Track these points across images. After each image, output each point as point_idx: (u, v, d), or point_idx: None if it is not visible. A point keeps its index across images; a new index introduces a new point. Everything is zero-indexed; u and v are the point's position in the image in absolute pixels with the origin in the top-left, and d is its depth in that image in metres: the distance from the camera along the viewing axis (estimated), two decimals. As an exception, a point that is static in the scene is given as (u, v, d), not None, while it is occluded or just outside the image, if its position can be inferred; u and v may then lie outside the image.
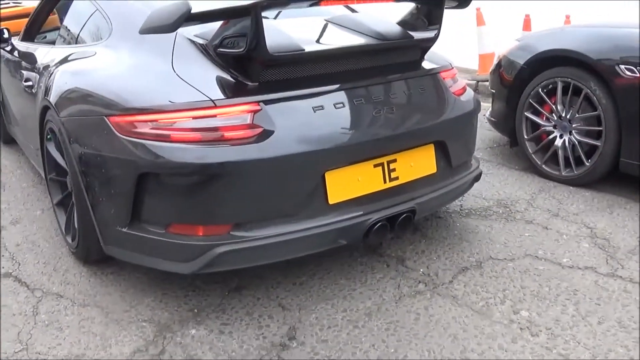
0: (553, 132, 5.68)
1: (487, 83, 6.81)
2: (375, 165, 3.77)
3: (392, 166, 3.83)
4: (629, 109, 5.05)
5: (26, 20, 6.70)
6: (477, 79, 9.86)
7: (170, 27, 3.38)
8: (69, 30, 5.33)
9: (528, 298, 3.76)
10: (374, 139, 3.73)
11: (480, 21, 10.01)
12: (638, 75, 4.93)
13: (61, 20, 6.94)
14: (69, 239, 4.41)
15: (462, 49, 10.21)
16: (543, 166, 5.75)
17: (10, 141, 7.29)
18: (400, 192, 3.90)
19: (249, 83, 3.56)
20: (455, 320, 3.57)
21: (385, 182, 3.81)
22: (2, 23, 7.86)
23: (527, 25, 9.48)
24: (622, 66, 5.02)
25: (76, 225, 4.16)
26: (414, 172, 3.95)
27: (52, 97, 4.21)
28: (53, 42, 5.62)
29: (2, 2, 11.55)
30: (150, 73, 3.80)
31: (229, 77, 3.60)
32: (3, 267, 4.36)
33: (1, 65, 6.75)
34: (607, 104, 5.17)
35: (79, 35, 4.97)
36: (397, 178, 3.86)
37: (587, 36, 5.46)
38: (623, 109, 5.08)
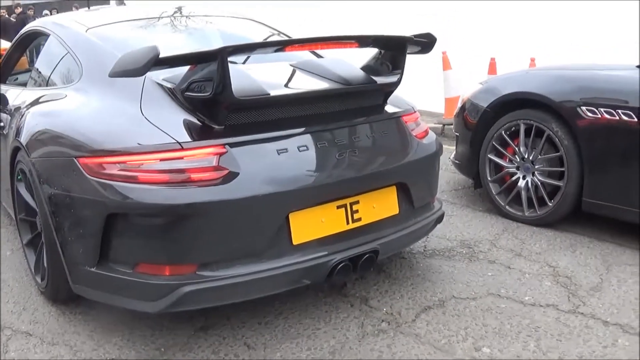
0: (516, 173, 5.77)
1: (452, 126, 6.91)
2: (338, 207, 3.85)
3: (355, 207, 3.90)
4: (591, 149, 5.15)
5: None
6: (443, 122, 9.93)
7: (139, 70, 3.45)
8: (40, 72, 5.39)
9: (490, 335, 3.83)
10: (337, 181, 3.80)
11: (446, 65, 10.11)
12: (599, 116, 5.03)
13: (32, 62, 7.01)
14: (38, 279, 4.43)
15: (429, 93, 10.32)
16: (506, 207, 5.83)
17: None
18: (363, 232, 3.96)
19: (215, 126, 3.63)
20: (417, 357, 3.62)
21: (348, 223, 3.88)
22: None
23: (492, 68, 9.58)
24: (584, 107, 5.12)
25: (45, 265, 4.18)
26: (376, 213, 4.02)
27: (23, 138, 4.25)
28: (24, 84, 5.67)
29: None
30: (119, 115, 3.86)
31: (195, 120, 3.67)
32: (-27, 307, 4.38)
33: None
34: (569, 144, 5.27)
35: (50, 77, 5.04)
36: (360, 219, 3.93)
37: (549, 78, 5.57)
38: (585, 149, 5.18)
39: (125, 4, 18.02)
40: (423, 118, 4.77)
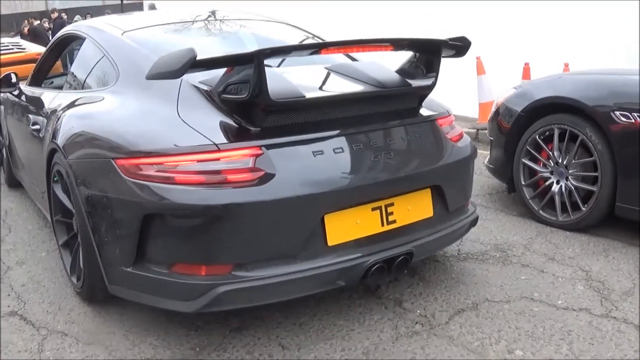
0: (550, 178, 5.76)
1: (486, 131, 6.90)
2: (373, 209, 3.86)
3: (389, 210, 3.91)
4: (625, 155, 5.13)
5: (31, 65, 6.82)
6: (477, 127, 9.92)
7: (176, 73, 3.49)
8: (76, 75, 5.45)
9: (523, 338, 3.83)
10: (372, 183, 3.82)
11: (480, 70, 10.09)
12: (633, 120, 5.02)
13: (66, 66, 7.08)
14: (74, 279, 4.47)
15: (463, 98, 10.29)
16: (540, 212, 5.82)
17: (16, 185, 7.38)
18: (398, 235, 3.97)
19: (252, 128, 3.66)
20: (450, 359, 3.64)
21: (383, 225, 3.89)
22: (8, 68, 7.96)
23: (526, 73, 9.54)
24: (618, 112, 5.11)
25: (81, 266, 4.21)
26: (411, 215, 4.04)
27: (60, 140, 4.30)
28: (60, 87, 5.73)
29: (2, 46, 11.68)
30: (156, 117, 3.90)
31: (232, 122, 3.70)
32: (9, 306, 4.42)
33: (8, 109, 6.85)
34: (602, 149, 5.25)
35: (86, 80, 5.09)
36: (394, 221, 3.94)
37: (583, 83, 5.57)
38: (618, 154, 5.16)
39: (156, 9, 18.10)
40: (458, 123, 4.78)
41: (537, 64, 9.50)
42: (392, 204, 3.93)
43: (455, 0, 11.11)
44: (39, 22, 27.09)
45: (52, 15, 26.70)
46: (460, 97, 10.08)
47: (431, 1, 11.42)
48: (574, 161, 5.54)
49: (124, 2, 28.85)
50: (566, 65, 9.22)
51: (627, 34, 9.15)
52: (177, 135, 3.64)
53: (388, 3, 12.27)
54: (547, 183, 5.78)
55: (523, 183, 5.99)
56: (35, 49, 12.12)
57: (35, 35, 21.84)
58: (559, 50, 9.74)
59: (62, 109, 4.69)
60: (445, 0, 11.21)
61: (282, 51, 4.10)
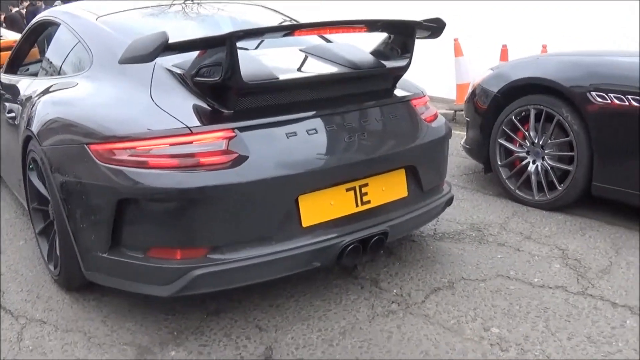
0: (526, 158, 5.79)
1: (463, 111, 6.92)
2: (347, 190, 3.87)
3: (364, 190, 3.93)
4: (601, 134, 5.17)
5: (8, 53, 6.78)
6: (454, 108, 9.96)
7: (148, 57, 3.48)
8: (51, 62, 5.42)
9: (499, 316, 3.85)
10: (346, 163, 3.83)
11: (458, 52, 10.12)
12: (609, 101, 5.04)
13: (43, 52, 7.04)
14: (52, 267, 4.46)
15: (441, 79, 10.31)
16: (516, 191, 5.85)
17: (-6, 174, 7.35)
18: (373, 215, 3.99)
19: (225, 111, 3.66)
20: (427, 337, 3.65)
21: (357, 205, 3.91)
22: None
23: (504, 55, 9.57)
24: (594, 93, 5.14)
25: (58, 253, 4.21)
26: (385, 196, 4.05)
27: (35, 127, 4.28)
28: (35, 74, 5.71)
29: None
30: (129, 102, 3.89)
31: (205, 105, 3.70)
32: (-14, 296, 4.42)
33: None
34: (578, 129, 5.28)
35: (61, 66, 5.06)
36: (369, 202, 3.95)
37: (559, 64, 5.58)
38: (595, 134, 5.20)
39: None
40: (435, 104, 4.80)
41: (515, 45, 9.52)
42: (366, 185, 3.94)
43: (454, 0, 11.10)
44: (16, 9, 26.85)
45: (22, 3, 26.34)
46: (438, 78, 10.12)
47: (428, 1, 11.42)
48: (550, 141, 5.57)
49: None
50: (544, 47, 9.25)
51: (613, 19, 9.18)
52: (150, 119, 3.63)
53: (384, 4, 12.22)
54: (524, 163, 5.81)
55: (499, 163, 6.02)
56: (12, 37, 12.04)
57: (12, 23, 21.68)
58: (537, 32, 9.77)
59: (36, 96, 4.67)
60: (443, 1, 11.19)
61: (255, 33, 4.08)
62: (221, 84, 3.56)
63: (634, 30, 8.87)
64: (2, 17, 24.52)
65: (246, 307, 4.05)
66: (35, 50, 7.41)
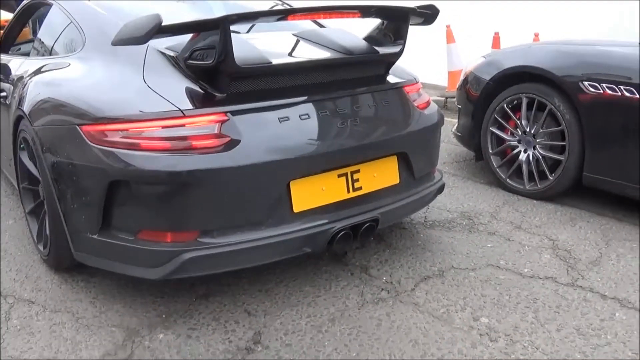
0: (517, 146, 5.80)
1: (455, 99, 6.92)
2: (339, 175, 3.87)
3: (355, 176, 3.93)
4: (593, 124, 5.17)
5: (-1, 32, 6.75)
6: (446, 95, 9.98)
7: (142, 39, 3.46)
8: (43, 42, 5.40)
9: (488, 305, 3.86)
10: (338, 149, 3.82)
11: (450, 38, 10.10)
12: (602, 91, 5.04)
13: (34, 32, 7.00)
14: (41, 247, 4.45)
15: (433, 66, 10.30)
16: (507, 180, 5.86)
17: (-16, 152, 7.33)
18: (364, 201, 3.99)
19: (217, 94, 3.65)
20: (416, 326, 3.66)
21: (348, 191, 3.91)
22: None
23: (496, 42, 9.56)
24: (586, 82, 5.14)
25: (48, 233, 4.20)
26: (377, 182, 4.05)
27: (26, 107, 4.26)
28: (27, 54, 5.68)
29: None
30: (121, 84, 3.87)
31: (198, 89, 3.69)
32: (-25, 275, 4.41)
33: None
34: (570, 119, 5.28)
35: (53, 46, 5.04)
36: (360, 188, 3.95)
37: (552, 53, 5.57)
38: (586, 124, 5.20)
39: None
40: (427, 91, 4.79)
41: (507, 33, 9.52)
42: (358, 171, 3.94)
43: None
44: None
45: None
46: (429, 65, 10.10)
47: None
48: (541, 130, 5.57)
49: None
50: (536, 35, 9.25)
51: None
52: (142, 101, 3.61)
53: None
54: (515, 152, 5.82)
55: (491, 151, 6.03)
56: (3, 16, 11.98)
57: (2, 2, 21.58)
58: (529, 20, 9.77)
59: (28, 76, 4.64)
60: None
61: (249, 17, 4.08)
62: (214, 67, 3.55)
63: (631, 20, 8.88)
64: None
65: (235, 292, 4.05)
66: (27, 30, 7.38)
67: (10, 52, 6.40)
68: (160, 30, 3.42)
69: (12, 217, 5.48)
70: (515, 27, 9.67)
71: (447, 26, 9.92)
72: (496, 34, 9.62)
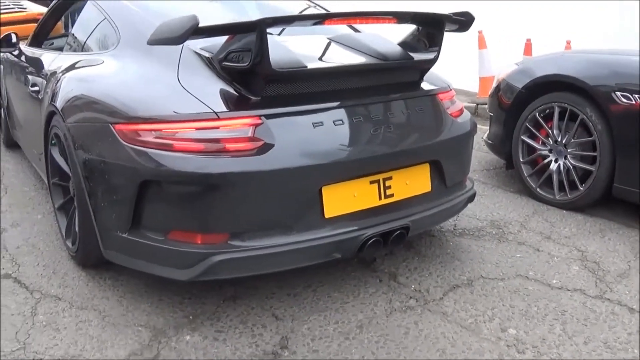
0: (548, 156, 5.76)
1: (486, 106, 6.89)
2: (371, 182, 3.85)
3: (387, 183, 3.91)
4: (624, 135, 5.12)
5: (32, 25, 6.78)
6: (477, 101, 9.92)
7: (178, 39, 3.46)
8: (76, 37, 5.42)
9: (516, 317, 3.83)
10: (371, 156, 3.81)
11: (482, 44, 10.07)
12: (634, 102, 5.00)
13: (67, 27, 7.03)
14: (69, 243, 4.47)
15: (464, 72, 10.27)
16: (537, 189, 5.82)
17: (13, 145, 7.39)
18: (395, 209, 3.97)
19: (252, 97, 3.64)
20: (444, 335, 3.63)
21: (380, 198, 3.89)
22: (8, 27, 7.92)
23: (528, 49, 9.53)
24: (619, 93, 5.10)
25: (77, 230, 4.22)
26: (409, 190, 4.03)
27: (59, 103, 4.29)
28: (60, 49, 5.70)
29: (2, 5, 11.60)
30: (156, 83, 3.88)
31: (232, 91, 3.68)
32: (3, 269, 4.42)
33: (8, 69, 6.83)
34: (602, 129, 5.24)
35: (86, 43, 5.06)
36: (392, 195, 3.93)
37: (585, 62, 5.54)
38: (618, 135, 5.15)
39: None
40: (457, 96, 4.77)
41: (538, 40, 9.48)
42: (390, 178, 3.92)
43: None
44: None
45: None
46: (460, 70, 10.05)
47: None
48: (573, 140, 5.53)
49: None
50: (568, 42, 9.21)
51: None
52: (177, 101, 3.62)
53: (393, 4, 12.18)
54: (546, 161, 5.78)
55: (521, 160, 5.98)
56: (36, 9, 12.05)
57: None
58: (561, 27, 9.72)
59: (61, 71, 4.66)
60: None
61: (286, 20, 4.09)
62: (250, 69, 3.54)
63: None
64: None
65: (263, 295, 4.04)
66: (59, 25, 7.43)
67: (43, 47, 6.44)
68: (197, 31, 3.42)
69: (41, 211, 5.51)
70: (547, 34, 9.62)
71: (480, 32, 9.89)
72: (528, 40, 9.58)
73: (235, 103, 3.63)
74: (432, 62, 4.26)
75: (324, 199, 3.68)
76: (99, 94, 4.00)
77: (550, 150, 5.74)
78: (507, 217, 5.42)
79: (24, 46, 6.43)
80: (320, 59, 4.10)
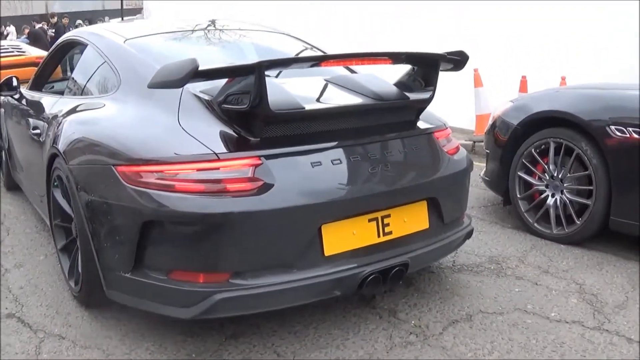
0: (545, 191, 5.80)
1: (483, 143, 6.94)
2: (370, 220, 3.89)
3: (386, 221, 3.95)
4: (619, 169, 5.17)
5: (31, 68, 6.86)
6: (473, 139, 9.96)
7: (178, 82, 3.53)
8: (77, 81, 5.49)
9: (515, 350, 3.86)
10: (369, 194, 3.86)
11: (477, 82, 10.12)
12: (628, 135, 5.06)
13: (65, 71, 7.11)
14: (72, 284, 4.49)
15: (460, 110, 10.31)
16: (535, 224, 5.85)
17: (14, 187, 7.42)
18: (394, 246, 4.00)
19: (251, 138, 3.70)
20: (444, 370, 3.67)
21: (379, 236, 3.93)
22: (8, 71, 8.00)
23: (523, 86, 9.58)
24: (613, 126, 5.15)
25: (79, 270, 4.24)
26: (407, 227, 4.07)
27: (61, 146, 4.34)
28: (61, 93, 5.76)
29: (2, 49, 11.71)
30: (156, 125, 3.94)
31: (232, 132, 3.74)
32: (7, 308, 4.46)
33: (9, 112, 6.89)
34: (597, 163, 5.29)
35: (87, 86, 5.12)
36: (390, 232, 3.97)
37: (579, 97, 5.61)
38: (613, 168, 5.20)
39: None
40: (454, 134, 4.82)
41: (534, 77, 9.54)
42: (388, 216, 3.97)
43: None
44: (40, 25, 27.09)
45: (51, 20, 26.61)
46: (457, 108, 10.10)
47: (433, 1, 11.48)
48: (569, 175, 5.58)
49: (124, 7, 28.89)
50: (563, 78, 9.26)
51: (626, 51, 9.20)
52: (177, 143, 3.68)
53: (390, 4, 12.29)
54: (543, 196, 5.82)
55: (518, 196, 6.02)
56: (35, 53, 12.17)
57: (35, 39, 21.86)
58: (556, 63, 9.79)
59: (63, 115, 4.72)
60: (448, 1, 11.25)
61: (283, 63, 4.16)
62: (249, 111, 3.61)
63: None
64: (26, 32, 24.76)
65: (264, 333, 4.07)
66: (59, 68, 7.51)
67: (44, 90, 6.50)
68: (197, 74, 3.49)
69: (43, 253, 5.54)
70: (542, 71, 9.68)
71: (475, 70, 9.95)
72: (523, 77, 9.64)
73: (235, 144, 3.69)
74: (427, 101, 4.30)
75: (323, 237, 3.72)
76: (100, 137, 4.06)
77: (546, 186, 5.79)
78: (505, 252, 5.45)
79: (24, 90, 6.49)
80: (317, 100, 4.16)
